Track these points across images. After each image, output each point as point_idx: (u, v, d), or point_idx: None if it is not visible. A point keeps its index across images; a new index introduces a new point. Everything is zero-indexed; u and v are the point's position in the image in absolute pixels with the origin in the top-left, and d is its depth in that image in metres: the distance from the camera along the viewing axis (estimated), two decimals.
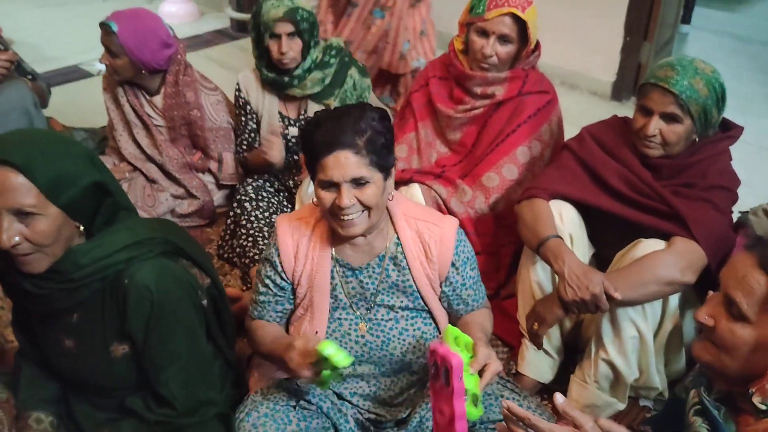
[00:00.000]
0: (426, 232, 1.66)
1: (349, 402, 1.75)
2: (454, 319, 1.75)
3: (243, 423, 1.62)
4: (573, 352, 2.12)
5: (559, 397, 1.21)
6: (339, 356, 1.41)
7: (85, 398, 1.65)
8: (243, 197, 2.62)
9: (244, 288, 2.48)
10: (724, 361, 1.22)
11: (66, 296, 1.46)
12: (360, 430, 1.75)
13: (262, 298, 1.71)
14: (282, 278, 1.68)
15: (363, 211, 1.53)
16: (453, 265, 1.66)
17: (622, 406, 1.97)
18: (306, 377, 1.50)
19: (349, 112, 1.52)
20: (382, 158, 1.52)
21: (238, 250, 2.55)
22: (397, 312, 1.68)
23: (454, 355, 1.26)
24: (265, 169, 2.66)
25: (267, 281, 1.69)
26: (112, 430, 1.54)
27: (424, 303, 1.68)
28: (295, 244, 1.66)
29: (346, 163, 1.47)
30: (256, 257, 2.45)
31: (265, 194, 2.65)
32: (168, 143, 2.76)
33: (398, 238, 1.66)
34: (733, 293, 1.19)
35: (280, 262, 1.66)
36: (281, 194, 2.72)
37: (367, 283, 1.67)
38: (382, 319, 1.68)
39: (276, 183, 2.72)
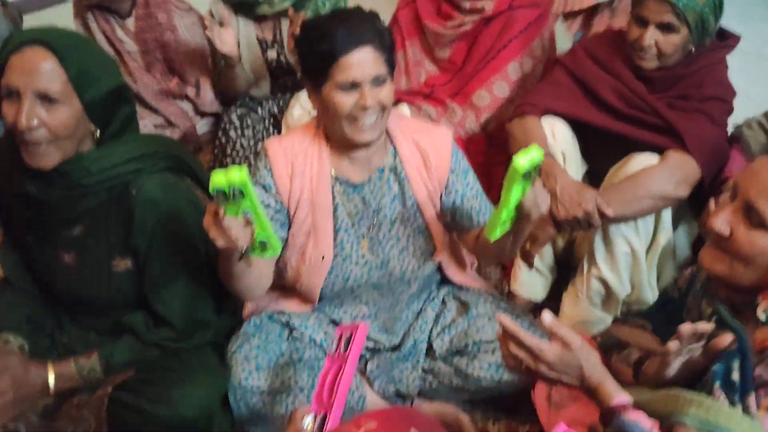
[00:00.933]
0: (423, 141, 1.64)
1: None
2: (461, 239, 1.72)
3: (235, 355, 1.63)
4: (565, 270, 2.13)
5: (546, 316, 1.19)
6: (232, 173, 1.19)
7: (80, 321, 1.65)
8: (227, 125, 2.56)
9: None
10: (738, 271, 1.18)
11: (70, 204, 1.45)
12: None
13: None
14: (276, 201, 1.61)
15: (379, 112, 1.51)
16: (452, 171, 1.64)
17: None
18: (241, 237, 1.28)
19: (357, 12, 1.51)
20: (392, 56, 1.51)
21: None
22: (398, 229, 1.66)
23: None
24: (237, 87, 2.56)
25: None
26: (102, 353, 1.52)
27: (423, 218, 1.66)
28: (289, 164, 1.60)
29: (368, 59, 1.45)
30: None
31: (249, 121, 2.59)
32: (142, 70, 2.66)
33: (395, 150, 1.64)
34: (755, 201, 1.13)
35: (275, 184, 1.60)
36: (266, 121, 2.65)
37: (369, 199, 1.64)
38: (383, 238, 1.66)
39: (260, 109, 2.65)
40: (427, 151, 1.63)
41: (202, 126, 2.79)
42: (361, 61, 1.45)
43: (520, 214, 1.42)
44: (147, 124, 2.67)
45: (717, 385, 1.13)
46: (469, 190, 1.68)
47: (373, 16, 1.51)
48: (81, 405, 1.52)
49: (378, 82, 1.48)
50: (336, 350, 1.34)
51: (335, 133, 1.57)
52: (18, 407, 1.43)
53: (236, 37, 2.43)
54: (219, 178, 1.20)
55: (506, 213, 1.42)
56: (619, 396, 1.15)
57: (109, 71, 1.44)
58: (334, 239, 1.64)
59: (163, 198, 1.46)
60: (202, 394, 1.50)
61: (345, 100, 1.47)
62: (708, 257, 1.22)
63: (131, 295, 1.56)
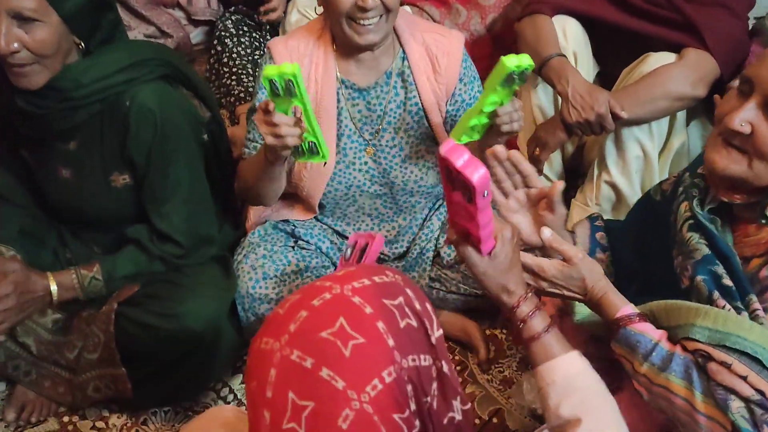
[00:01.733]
0: (433, 45, 1.57)
1: None
2: None
3: (241, 265, 1.62)
4: (574, 177, 2.08)
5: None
6: (284, 66, 1.23)
7: (82, 237, 1.63)
8: (223, 33, 2.47)
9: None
10: (759, 171, 1.09)
11: (64, 117, 1.42)
12: None
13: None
14: None
15: (382, 15, 1.42)
16: (461, 80, 1.60)
17: None
18: (290, 137, 1.30)
19: None
20: None
21: (222, 89, 2.44)
22: (401, 137, 1.62)
23: (474, 168, 0.91)
24: None
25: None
26: (104, 264, 1.49)
27: (429, 125, 1.62)
28: None
29: None
30: (242, 95, 2.36)
31: (246, 29, 2.50)
32: None
33: (404, 52, 1.57)
34: None
35: None
36: (263, 28, 2.55)
37: (374, 105, 1.59)
38: (386, 145, 1.62)
39: (256, 16, 2.55)
40: (437, 57, 1.58)
41: (197, 35, 2.70)
42: None
43: (491, 126, 1.41)
44: (137, 35, 2.56)
45: (716, 294, 1.09)
46: (474, 100, 1.64)
47: None
48: (90, 321, 1.52)
49: None
50: (351, 257, 1.30)
51: (338, 34, 1.50)
52: (22, 312, 1.42)
53: None
54: (271, 71, 1.22)
55: (477, 119, 1.41)
56: (624, 307, 1.12)
57: None
58: (337, 144, 1.60)
59: (158, 107, 1.42)
60: (208, 308, 1.50)
61: None
62: (721, 159, 1.11)
63: (132, 211, 1.54)
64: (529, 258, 1.17)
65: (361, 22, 1.42)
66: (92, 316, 1.52)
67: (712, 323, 1.02)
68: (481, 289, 1.08)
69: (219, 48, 2.46)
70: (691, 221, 1.18)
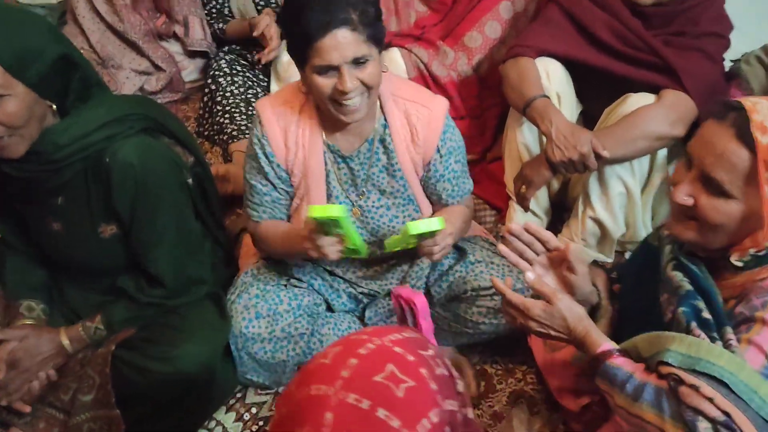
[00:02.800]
0: (414, 114, 1.57)
1: (342, 278, 1.75)
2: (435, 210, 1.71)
3: (235, 305, 1.64)
4: (560, 211, 2.13)
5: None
6: (331, 210, 1.34)
7: (77, 282, 1.65)
8: (217, 72, 2.51)
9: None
10: (708, 237, 1.18)
11: (48, 178, 1.43)
12: (353, 304, 1.77)
13: (267, 198, 1.62)
14: (279, 167, 1.59)
15: (363, 92, 1.44)
16: (438, 150, 1.60)
17: (608, 261, 2.00)
18: (333, 253, 1.45)
19: None
20: (377, 30, 1.41)
21: (215, 127, 2.48)
22: (388, 198, 1.64)
23: (417, 295, 1.23)
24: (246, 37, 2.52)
25: (268, 177, 1.60)
26: (104, 314, 1.55)
27: (411, 188, 1.64)
28: (283, 131, 1.57)
29: (344, 42, 1.36)
30: (234, 133, 2.39)
31: (239, 68, 2.54)
32: (129, 8, 2.59)
33: (385, 119, 1.58)
34: (712, 171, 1.12)
35: (273, 152, 1.58)
36: (256, 68, 2.60)
37: (357, 170, 1.61)
38: (372, 206, 1.64)
39: (249, 56, 2.60)
40: (416, 127, 1.57)
41: (190, 73, 2.73)
42: (338, 45, 1.35)
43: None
44: (128, 74, 2.61)
45: (693, 324, 1.16)
46: (448, 173, 1.64)
47: None
48: (84, 362, 1.54)
49: (358, 62, 1.40)
50: (405, 322, 1.30)
51: (324, 110, 1.51)
52: (34, 373, 1.50)
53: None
54: (318, 213, 1.34)
55: (405, 244, 1.54)
56: (604, 344, 1.21)
57: (47, 42, 1.32)
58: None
59: (138, 161, 1.42)
60: (203, 351, 1.53)
61: (324, 83, 1.41)
62: (678, 227, 1.22)
63: (123, 258, 1.56)
64: (515, 297, 1.27)
65: (345, 103, 1.43)
66: (87, 358, 1.54)
67: (685, 349, 1.10)
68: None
69: (213, 87, 2.49)
70: (674, 262, 1.27)
